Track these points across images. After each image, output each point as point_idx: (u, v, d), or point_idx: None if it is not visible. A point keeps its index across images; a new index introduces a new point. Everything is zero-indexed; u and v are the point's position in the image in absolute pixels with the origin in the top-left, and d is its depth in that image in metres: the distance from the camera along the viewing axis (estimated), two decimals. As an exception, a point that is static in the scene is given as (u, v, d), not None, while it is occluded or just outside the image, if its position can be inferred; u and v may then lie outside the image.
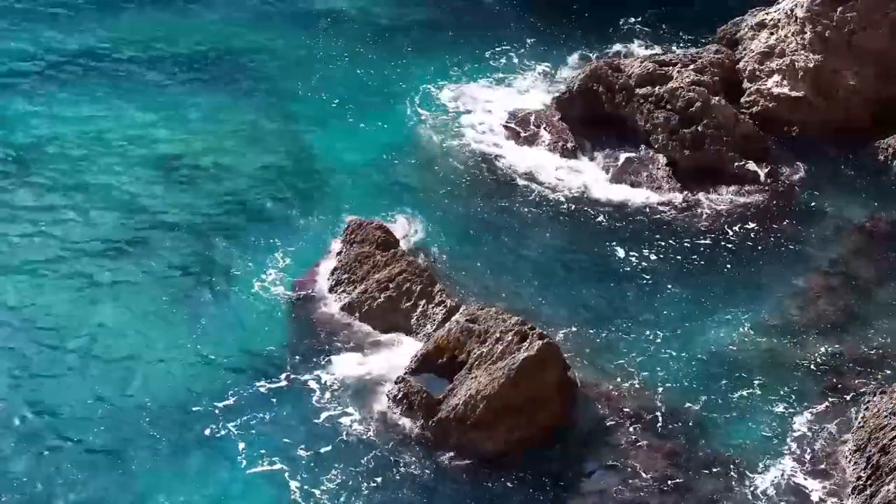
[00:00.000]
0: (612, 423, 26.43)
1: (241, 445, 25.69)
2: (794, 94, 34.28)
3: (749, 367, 27.78)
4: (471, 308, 27.80)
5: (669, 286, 29.95)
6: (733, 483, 25.24)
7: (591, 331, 28.61)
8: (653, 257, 30.84)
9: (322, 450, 25.77)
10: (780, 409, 26.78)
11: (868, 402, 26.24)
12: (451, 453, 25.71)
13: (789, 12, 34.88)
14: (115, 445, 25.61)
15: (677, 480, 25.27)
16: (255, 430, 26.02)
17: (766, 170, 33.45)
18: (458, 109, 35.85)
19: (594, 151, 34.35)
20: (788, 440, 26.10)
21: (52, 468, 25.10)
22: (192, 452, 25.51)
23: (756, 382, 27.41)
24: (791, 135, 34.19)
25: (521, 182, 33.20)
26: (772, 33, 35.36)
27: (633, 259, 30.76)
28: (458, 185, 33.17)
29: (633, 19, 39.68)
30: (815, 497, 24.95)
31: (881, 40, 33.96)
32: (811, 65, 34.01)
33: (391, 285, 28.71)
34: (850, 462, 25.32)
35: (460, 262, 30.46)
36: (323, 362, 27.63)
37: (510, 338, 26.44)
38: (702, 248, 31.18)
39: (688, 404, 26.90)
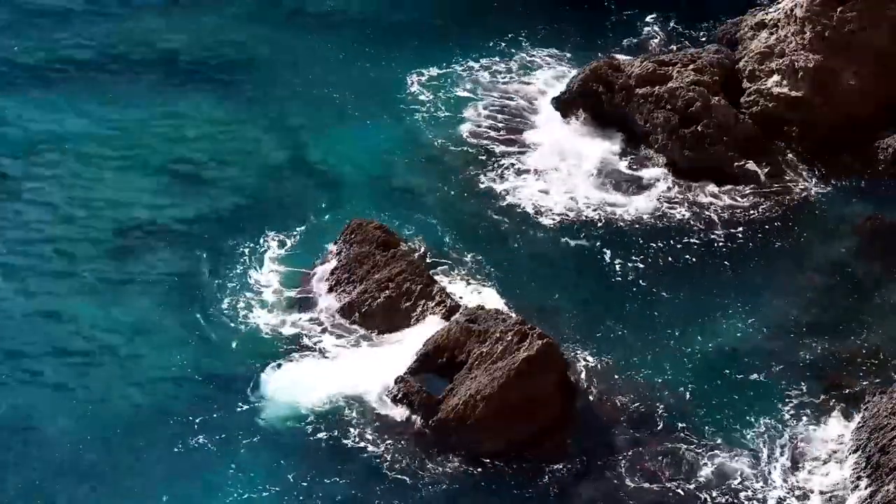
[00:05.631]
0: (613, 422, 26.45)
1: (240, 441, 25.86)
2: (794, 93, 34.23)
3: (748, 366, 27.79)
4: (471, 308, 27.80)
5: (669, 286, 29.94)
6: (733, 482, 25.25)
7: (591, 330, 28.60)
8: (652, 257, 30.82)
9: (320, 451, 25.79)
10: (779, 408, 26.79)
11: (868, 402, 26.24)
12: (451, 453, 25.72)
13: (789, 12, 34.82)
14: (93, 464, 25.31)
15: (677, 480, 25.30)
16: (251, 432, 26.10)
17: (766, 170, 33.40)
18: (459, 108, 35.80)
19: (594, 151, 34.32)
20: (788, 440, 26.11)
21: (22, 484, 24.71)
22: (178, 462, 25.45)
23: (755, 382, 27.42)
24: (791, 134, 34.14)
25: (520, 182, 33.15)
26: (771, 33, 35.30)
27: (633, 259, 30.74)
28: (457, 184, 33.09)
29: (633, 18, 39.64)
30: (814, 497, 24.97)
31: (881, 40, 33.89)
32: (811, 65, 33.97)
33: (391, 285, 28.69)
34: (849, 462, 25.32)
35: (460, 261, 30.45)
36: (322, 363, 27.63)
37: (510, 337, 26.43)
38: (701, 248, 31.16)
39: (687, 404, 26.93)
